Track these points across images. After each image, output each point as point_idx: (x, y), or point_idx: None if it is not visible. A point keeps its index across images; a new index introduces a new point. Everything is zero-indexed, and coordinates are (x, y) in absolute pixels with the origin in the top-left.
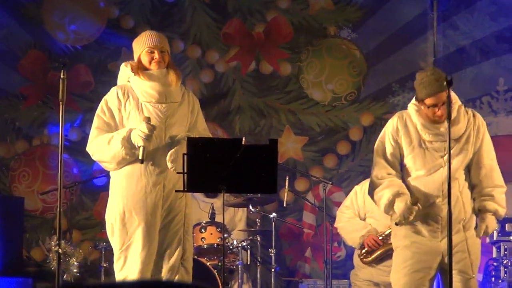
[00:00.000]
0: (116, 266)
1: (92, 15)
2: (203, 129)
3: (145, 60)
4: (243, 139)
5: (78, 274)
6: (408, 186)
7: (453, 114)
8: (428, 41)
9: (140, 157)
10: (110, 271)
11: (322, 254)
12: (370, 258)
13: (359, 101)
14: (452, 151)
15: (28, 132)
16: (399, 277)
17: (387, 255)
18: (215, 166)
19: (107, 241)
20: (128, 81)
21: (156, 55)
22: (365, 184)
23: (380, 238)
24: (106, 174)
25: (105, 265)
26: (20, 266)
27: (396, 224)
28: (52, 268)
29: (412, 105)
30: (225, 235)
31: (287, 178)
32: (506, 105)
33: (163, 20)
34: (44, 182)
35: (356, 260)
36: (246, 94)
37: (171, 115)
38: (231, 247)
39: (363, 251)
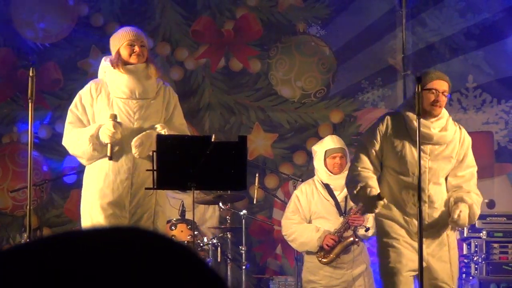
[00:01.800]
0: None
1: (61, 13)
2: (179, 124)
3: (124, 54)
4: (213, 136)
5: None
6: (390, 187)
7: (443, 122)
8: (397, 38)
9: (108, 154)
10: None
11: (293, 251)
12: (329, 257)
13: (328, 98)
14: (439, 156)
15: None
16: (387, 277)
17: (346, 251)
18: (185, 163)
19: None
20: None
21: (136, 48)
22: (304, 187)
23: (336, 234)
24: (76, 172)
25: None
26: None
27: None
28: None
29: (404, 107)
30: (195, 232)
31: (257, 175)
32: (475, 101)
33: (133, 18)
34: (14, 180)
35: (307, 263)
36: (216, 91)
37: (142, 111)
38: (201, 245)
39: (322, 252)
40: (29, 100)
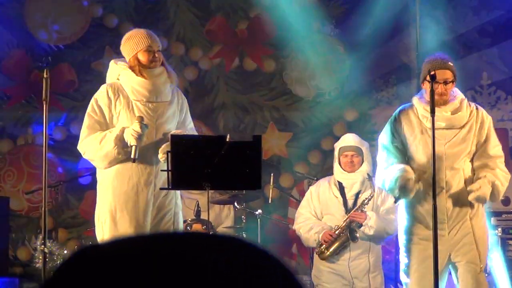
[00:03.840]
0: None
1: (75, 14)
2: (190, 128)
3: (144, 59)
4: (227, 136)
5: None
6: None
7: (455, 105)
8: (410, 36)
9: (132, 156)
10: None
11: (308, 250)
12: (327, 253)
13: (343, 96)
14: (454, 140)
15: (12, 132)
16: (410, 272)
17: (344, 246)
18: (200, 163)
19: (93, 239)
20: (118, 79)
21: (156, 54)
22: (320, 183)
23: (337, 231)
24: (91, 173)
25: None
26: (6, 266)
27: (396, 201)
28: (38, 268)
29: (415, 97)
30: (211, 233)
31: (272, 174)
32: (489, 99)
33: (147, 18)
34: (29, 182)
35: (315, 259)
36: (230, 91)
37: (161, 114)
38: None
39: (321, 247)
40: (44, 102)
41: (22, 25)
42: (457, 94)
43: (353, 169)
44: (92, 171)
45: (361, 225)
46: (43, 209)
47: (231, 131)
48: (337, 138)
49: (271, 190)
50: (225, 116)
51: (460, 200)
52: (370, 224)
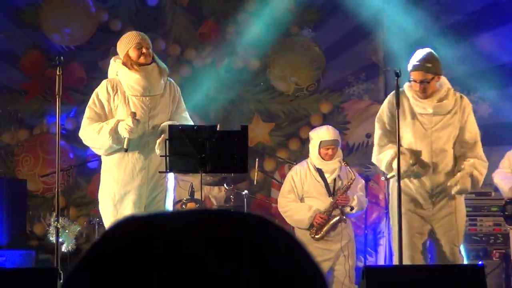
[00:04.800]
0: None
1: (84, 19)
2: (182, 110)
3: (133, 55)
4: (218, 126)
5: (75, 246)
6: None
7: (441, 94)
8: (378, 38)
9: (125, 146)
10: None
11: (289, 226)
12: (321, 234)
13: (318, 91)
14: (439, 125)
15: (29, 122)
16: (397, 241)
17: (334, 227)
18: (194, 149)
19: (100, 217)
20: (117, 75)
21: (144, 50)
22: (298, 168)
23: (326, 214)
24: (98, 158)
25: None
26: (24, 240)
27: (388, 178)
28: (52, 241)
29: (406, 84)
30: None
31: (256, 159)
32: None
33: (147, 23)
34: (44, 166)
35: (304, 239)
36: (220, 87)
37: (154, 107)
38: None
39: (313, 229)
40: (57, 96)
41: (38, 28)
42: (444, 83)
43: (332, 158)
44: (99, 157)
45: (352, 208)
46: (56, 190)
47: (221, 122)
48: (313, 128)
49: (256, 173)
50: (216, 108)
51: (445, 179)
52: (353, 205)
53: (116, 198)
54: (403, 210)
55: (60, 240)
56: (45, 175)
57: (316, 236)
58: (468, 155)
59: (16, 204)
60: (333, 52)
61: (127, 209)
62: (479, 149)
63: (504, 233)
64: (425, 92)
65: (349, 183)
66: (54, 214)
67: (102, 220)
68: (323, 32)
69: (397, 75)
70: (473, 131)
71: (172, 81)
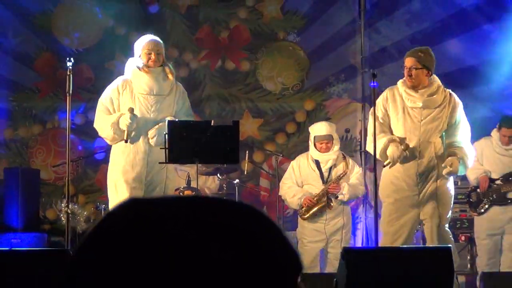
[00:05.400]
0: None
1: (91, 25)
2: (186, 110)
3: (144, 59)
4: (212, 121)
5: (85, 228)
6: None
7: (432, 89)
8: (357, 43)
9: (125, 138)
10: None
11: (275, 211)
12: (307, 214)
13: (303, 91)
14: (428, 118)
15: (42, 118)
16: (387, 226)
17: (321, 211)
18: (190, 142)
19: (106, 203)
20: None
21: (152, 56)
22: (299, 159)
23: (315, 198)
24: (105, 150)
25: None
26: (37, 224)
27: (384, 165)
28: (63, 225)
29: (400, 81)
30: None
31: (246, 152)
32: None
33: (148, 28)
34: (56, 157)
35: (299, 220)
36: (214, 86)
37: (157, 105)
38: None
39: (302, 209)
40: (67, 94)
41: (50, 33)
42: (435, 81)
43: (328, 151)
44: (105, 148)
45: (337, 196)
46: (66, 178)
47: (215, 117)
48: (298, 123)
49: (246, 164)
50: (210, 105)
51: (429, 168)
52: (344, 193)
53: (117, 183)
54: (391, 200)
55: (70, 224)
56: (57, 165)
57: (304, 216)
58: (459, 143)
59: (30, 191)
60: (316, 55)
61: (125, 195)
62: (469, 141)
63: (469, 218)
64: (411, 78)
65: (341, 175)
66: (65, 200)
67: (108, 205)
68: (307, 37)
69: (374, 75)
70: (465, 125)
71: (180, 84)
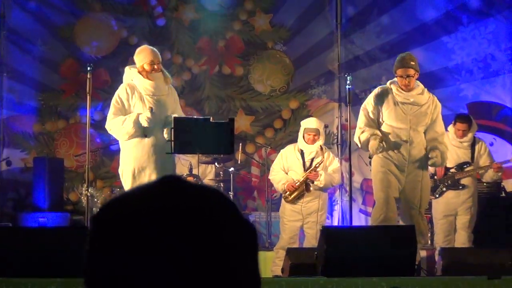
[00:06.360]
0: None
1: (108, 35)
2: (178, 107)
3: (147, 68)
4: (211, 118)
5: None
6: (383, 133)
7: (418, 90)
8: (334, 51)
9: (145, 133)
10: None
11: (264, 195)
12: (290, 198)
13: (288, 92)
14: (416, 112)
15: (66, 114)
16: (379, 193)
17: (302, 194)
18: (192, 136)
19: (121, 187)
20: (132, 80)
21: (155, 66)
22: (288, 148)
23: (297, 184)
24: (118, 142)
25: None
26: (61, 205)
27: (370, 157)
28: (83, 206)
29: (389, 81)
30: (199, 183)
31: (240, 144)
32: None
33: (157, 38)
34: (77, 148)
35: (282, 200)
36: (213, 88)
37: (162, 104)
38: None
39: (286, 193)
40: (87, 94)
41: (73, 42)
42: (420, 84)
43: (313, 143)
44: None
45: (313, 181)
46: (86, 166)
47: (214, 115)
48: (284, 120)
49: (240, 155)
50: (209, 104)
51: (417, 153)
52: (320, 180)
53: (136, 171)
54: (384, 170)
55: (89, 205)
56: (78, 155)
57: (287, 199)
58: (438, 139)
59: (55, 177)
60: (299, 62)
61: (145, 180)
62: (446, 137)
63: (429, 202)
64: (409, 85)
65: (318, 164)
66: (85, 185)
67: (122, 189)
68: (292, 46)
69: (350, 80)
70: (442, 125)
71: (172, 87)
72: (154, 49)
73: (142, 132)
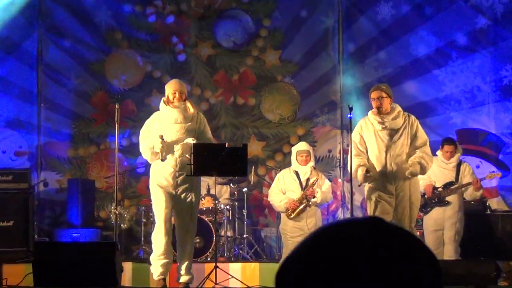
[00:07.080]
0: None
1: (134, 69)
2: (208, 138)
3: (171, 98)
4: (226, 144)
5: (129, 225)
6: (370, 163)
7: (394, 114)
8: (337, 83)
9: (160, 158)
10: (147, 224)
11: (274, 212)
12: (293, 215)
13: (295, 120)
14: (394, 138)
15: (97, 141)
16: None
17: (303, 211)
18: (210, 160)
19: (146, 206)
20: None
21: (177, 95)
22: (284, 171)
23: (297, 202)
24: (144, 165)
25: (144, 220)
26: (93, 221)
27: (359, 185)
28: (112, 223)
29: (370, 111)
30: (216, 202)
31: (253, 167)
32: None
33: (178, 72)
34: (107, 170)
35: (282, 218)
36: (228, 116)
37: (181, 130)
38: (219, 209)
39: (288, 211)
40: (116, 123)
41: (103, 75)
42: (396, 108)
43: (306, 164)
44: (144, 164)
45: (312, 198)
46: (115, 187)
47: (229, 141)
48: (292, 145)
49: (252, 176)
50: (225, 131)
51: (401, 175)
52: (317, 197)
53: (153, 190)
54: (375, 199)
55: (118, 222)
56: (107, 177)
57: (290, 217)
58: (418, 150)
59: (87, 197)
60: (305, 93)
61: (160, 199)
62: (427, 149)
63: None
64: (381, 107)
65: (314, 181)
66: (114, 204)
67: (147, 208)
68: (299, 79)
69: (350, 109)
70: (423, 137)
71: (201, 114)
72: (181, 81)
73: (159, 156)
